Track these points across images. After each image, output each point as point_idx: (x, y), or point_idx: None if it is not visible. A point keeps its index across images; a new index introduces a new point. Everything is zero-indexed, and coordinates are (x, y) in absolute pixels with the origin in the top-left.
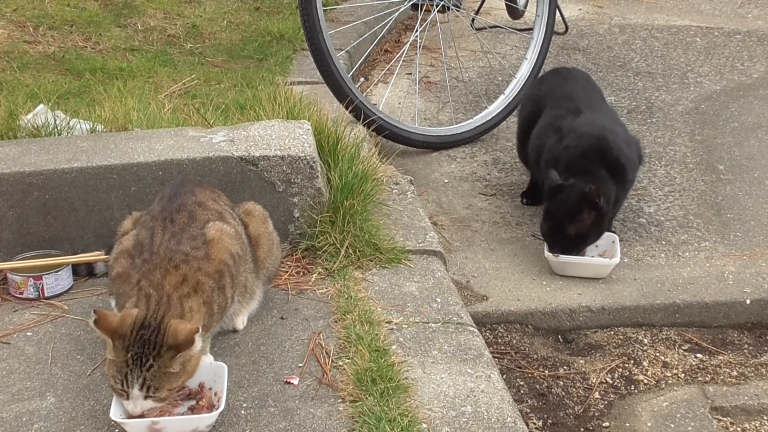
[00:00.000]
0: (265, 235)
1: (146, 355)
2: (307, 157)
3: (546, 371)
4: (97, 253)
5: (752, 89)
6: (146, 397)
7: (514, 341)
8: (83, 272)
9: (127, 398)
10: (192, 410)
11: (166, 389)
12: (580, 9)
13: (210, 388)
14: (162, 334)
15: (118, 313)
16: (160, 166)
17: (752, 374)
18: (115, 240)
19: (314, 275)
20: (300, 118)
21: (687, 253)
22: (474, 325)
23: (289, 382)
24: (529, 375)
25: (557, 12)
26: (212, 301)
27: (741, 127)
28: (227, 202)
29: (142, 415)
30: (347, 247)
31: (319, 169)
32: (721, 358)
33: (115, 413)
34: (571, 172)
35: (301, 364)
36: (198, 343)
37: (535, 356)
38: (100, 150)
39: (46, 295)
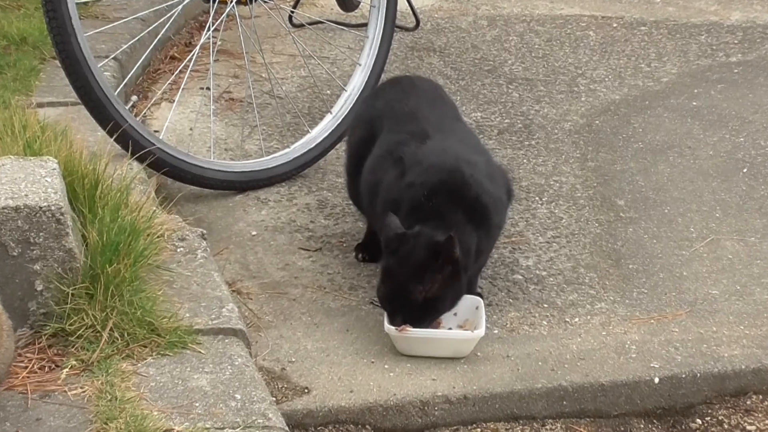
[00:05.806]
0: None
1: None
2: (52, 208)
3: None
4: None
5: (661, 98)
6: None
7: None
8: None
9: None
10: None
11: None
12: None
13: None
14: None
15: None
16: None
17: None
18: None
19: (65, 370)
20: (44, 153)
21: (577, 319)
22: (287, 428)
23: None
24: None
25: (402, 1)
26: None
27: (647, 148)
28: None
29: None
30: (111, 330)
31: (70, 223)
32: None
33: None
34: (417, 217)
35: None
36: None
37: None
38: None
39: None
